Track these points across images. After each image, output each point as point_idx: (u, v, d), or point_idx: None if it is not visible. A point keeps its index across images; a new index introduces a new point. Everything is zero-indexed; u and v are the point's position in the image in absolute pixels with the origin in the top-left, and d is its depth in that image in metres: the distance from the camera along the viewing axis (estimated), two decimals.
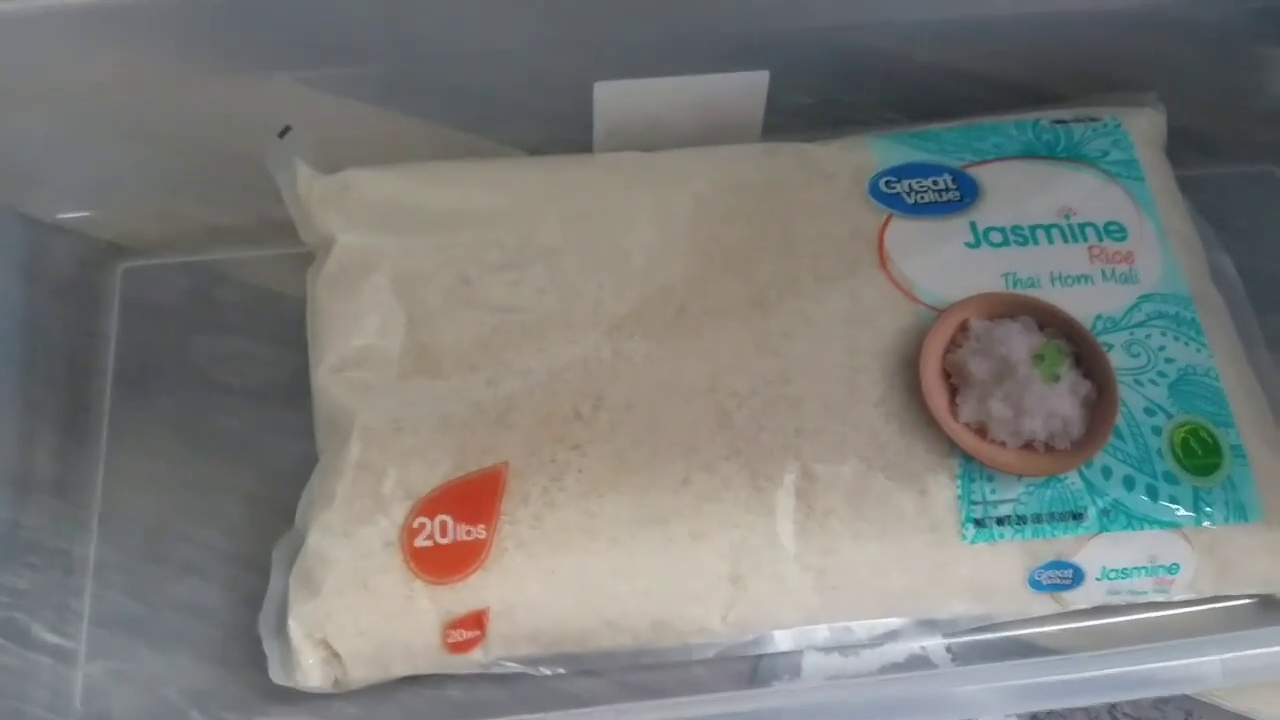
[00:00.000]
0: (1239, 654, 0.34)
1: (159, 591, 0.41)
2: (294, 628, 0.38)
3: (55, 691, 0.39)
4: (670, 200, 0.44)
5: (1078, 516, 0.39)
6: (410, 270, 0.42)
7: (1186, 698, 0.40)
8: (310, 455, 0.41)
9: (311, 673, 0.38)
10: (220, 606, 0.41)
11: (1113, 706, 0.40)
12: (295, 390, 0.43)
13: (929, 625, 0.40)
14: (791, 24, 0.46)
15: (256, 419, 0.45)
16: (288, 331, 0.45)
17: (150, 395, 0.45)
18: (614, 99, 0.46)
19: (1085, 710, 0.40)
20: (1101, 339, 0.41)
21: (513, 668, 0.39)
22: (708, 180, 0.44)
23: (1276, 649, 0.34)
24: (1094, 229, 0.43)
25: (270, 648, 0.38)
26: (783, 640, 0.40)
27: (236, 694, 0.39)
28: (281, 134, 0.45)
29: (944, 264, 0.42)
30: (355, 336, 0.41)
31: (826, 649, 0.40)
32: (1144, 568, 0.39)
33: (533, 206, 0.44)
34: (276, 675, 0.38)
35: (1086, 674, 0.33)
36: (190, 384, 0.45)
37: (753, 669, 0.40)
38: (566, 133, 0.47)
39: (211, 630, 0.40)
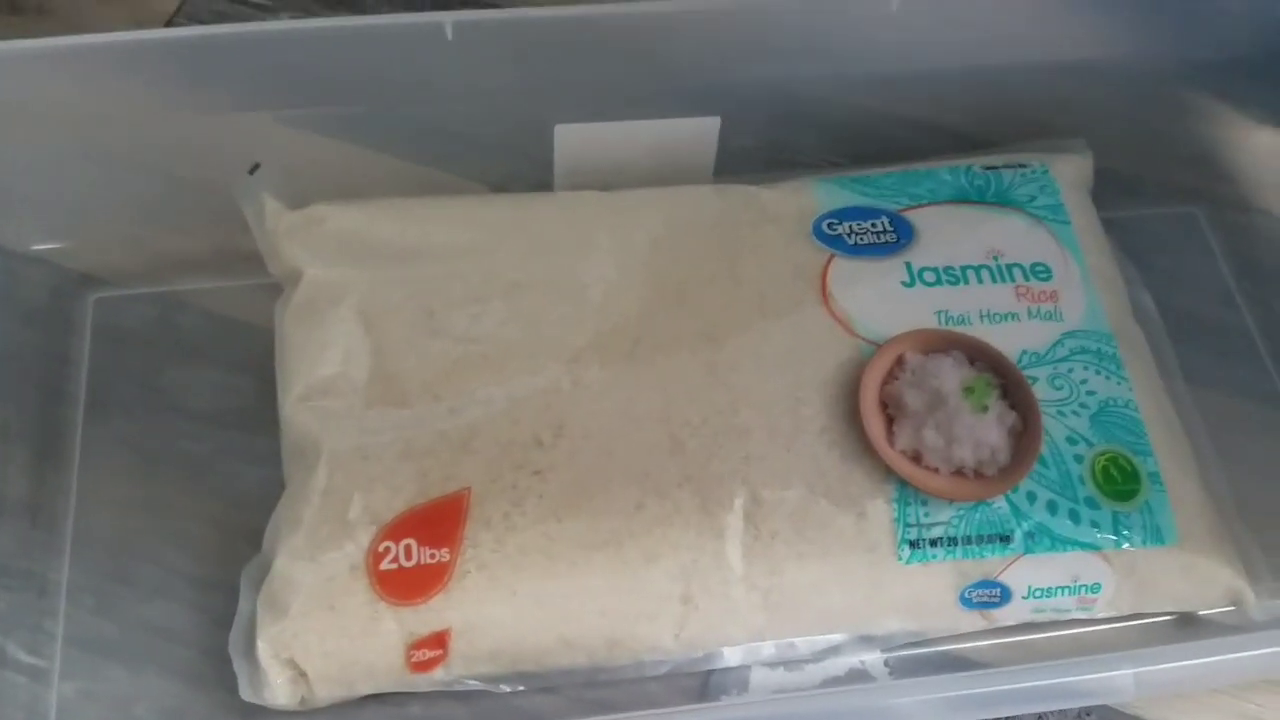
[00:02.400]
0: (1150, 668, 0.36)
1: (130, 612, 0.42)
2: (262, 648, 0.39)
3: (30, 710, 0.40)
4: (626, 238, 0.45)
5: (1005, 539, 0.41)
6: (376, 302, 0.43)
7: (1106, 708, 0.42)
8: (275, 480, 0.43)
9: (279, 691, 0.39)
10: (189, 627, 0.42)
11: (1040, 716, 0.42)
12: (261, 417, 0.44)
13: (868, 641, 0.42)
14: (741, 74, 0.48)
15: (223, 445, 0.46)
16: (254, 360, 0.46)
17: (120, 421, 0.46)
18: (573, 140, 0.48)
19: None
20: (1027, 373, 0.43)
21: (473, 685, 0.40)
22: (662, 219, 0.46)
23: (1184, 663, 0.36)
24: (1021, 269, 0.45)
25: (239, 667, 0.39)
26: (731, 656, 0.41)
27: (205, 712, 0.40)
28: (251, 170, 0.46)
29: (881, 301, 0.44)
30: (322, 366, 0.42)
31: (772, 664, 0.42)
32: (1067, 587, 0.41)
33: (495, 242, 0.45)
34: (245, 693, 0.39)
35: (1011, 686, 0.35)
36: (159, 411, 0.46)
37: (703, 684, 0.42)
38: (528, 171, 0.49)
39: (181, 650, 0.41)
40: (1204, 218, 0.54)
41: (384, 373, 0.42)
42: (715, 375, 0.43)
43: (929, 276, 0.45)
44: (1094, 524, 0.41)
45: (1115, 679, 0.35)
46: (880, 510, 0.41)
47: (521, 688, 0.41)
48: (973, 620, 0.42)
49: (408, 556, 0.39)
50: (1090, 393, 0.43)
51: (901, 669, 0.42)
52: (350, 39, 0.46)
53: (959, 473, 0.41)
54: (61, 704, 0.41)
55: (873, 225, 0.46)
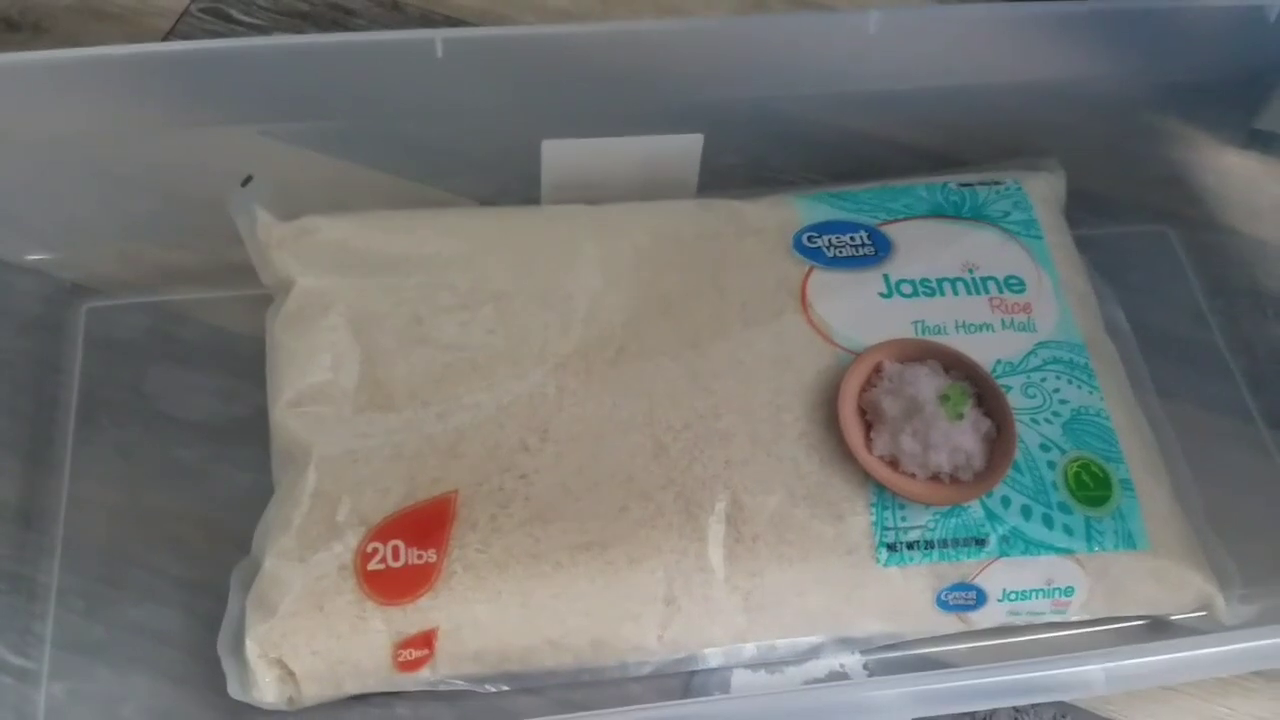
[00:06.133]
0: (1120, 663, 0.37)
1: (118, 615, 0.42)
2: (250, 647, 0.39)
3: (19, 711, 0.40)
4: (612, 249, 0.46)
5: (980, 542, 0.42)
6: (365, 310, 0.44)
7: (1080, 709, 0.43)
8: (262, 486, 0.43)
9: (267, 690, 0.39)
10: (176, 629, 0.42)
11: (1017, 713, 0.43)
12: (248, 424, 0.45)
13: (847, 643, 0.42)
14: (724, 93, 0.49)
15: (211, 451, 0.46)
16: (242, 368, 0.47)
17: (111, 428, 0.46)
18: (560, 156, 0.49)
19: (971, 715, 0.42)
20: (1001, 381, 0.44)
21: (459, 685, 0.41)
22: (647, 232, 0.47)
23: (1150, 659, 0.37)
24: (995, 282, 0.47)
25: (228, 665, 0.40)
26: (713, 658, 0.42)
27: (192, 713, 0.41)
28: (244, 183, 0.47)
29: (860, 312, 0.45)
30: (312, 373, 0.43)
31: (753, 666, 0.42)
32: (1041, 590, 0.42)
33: (483, 252, 0.46)
34: (234, 692, 0.40)
35: (984, 680, 0.36)
36: (149, 418, 0.47)
37: (684, 686, 0.42)
38: (515, 186, 0.50)
39: (168, 652, 0.42)
40: (1174, 236, 0.55)
41: (373, 379, 0.43)
42: (698, 382, 0.44)
43: (906, 288, 0.46)
44: (1067, 529, 0.42)
45: (1086, 673, 0.36)
46: (859, 514, 0.42)
47: (506, 688, 0.41)
48: (950, 623, 0.43)
49: (395, 557, 0.40)
50: (1063, 401, 0.45)
51: (880, 671, 0.43)
52: (343, 55, 0.47)
53: (935, 478, 0.42)
54: (50, 705, 0.41)
55: (852, 239, 0.47)
